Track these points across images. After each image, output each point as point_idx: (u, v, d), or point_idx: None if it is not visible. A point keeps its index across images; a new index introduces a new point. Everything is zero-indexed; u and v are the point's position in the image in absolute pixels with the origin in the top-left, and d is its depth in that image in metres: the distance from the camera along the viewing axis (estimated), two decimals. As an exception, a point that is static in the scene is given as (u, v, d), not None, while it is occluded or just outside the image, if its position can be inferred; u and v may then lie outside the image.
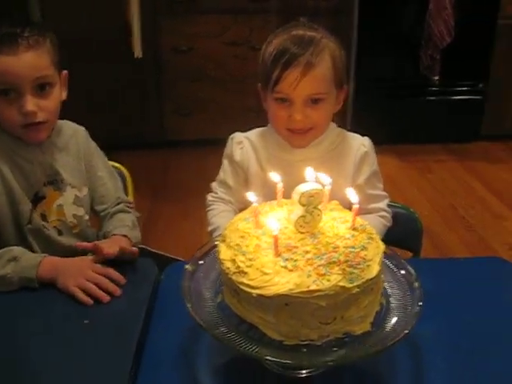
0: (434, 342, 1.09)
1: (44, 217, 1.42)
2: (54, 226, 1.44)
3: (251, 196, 1.00)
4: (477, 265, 1.41)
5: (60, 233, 1.45)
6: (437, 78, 3.75)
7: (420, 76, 3.79)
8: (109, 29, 3.52)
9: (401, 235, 1.52)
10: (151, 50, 3.61)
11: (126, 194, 1.69)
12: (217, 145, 3.83)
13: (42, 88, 1.32)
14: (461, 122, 3.97)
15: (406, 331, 0.92)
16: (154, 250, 1.63)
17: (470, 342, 1.09)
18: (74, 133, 1.51)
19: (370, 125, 3.68)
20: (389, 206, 1.53)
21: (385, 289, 1.02)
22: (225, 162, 1.56)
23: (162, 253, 1.65)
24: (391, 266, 1.08)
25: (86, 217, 1.51)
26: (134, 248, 1.34)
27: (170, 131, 3.89)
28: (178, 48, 3.68)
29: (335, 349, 0.92)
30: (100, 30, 3.52)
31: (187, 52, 3.70)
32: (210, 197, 1.57)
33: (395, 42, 3.75)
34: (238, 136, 1.55)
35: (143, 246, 1.52)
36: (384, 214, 1.49)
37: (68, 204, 1.46)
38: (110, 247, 1.28)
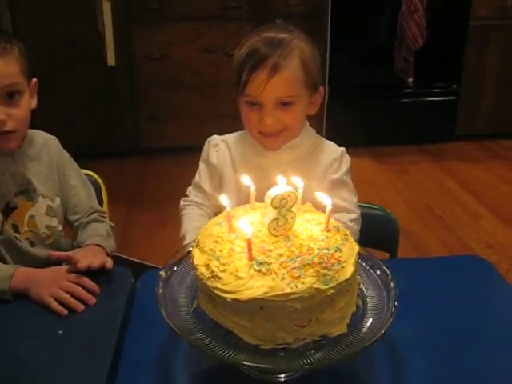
0: (412, 341, 1.09)
1: (16, 228, 1.40)
2: (27, 238, 1.42)
3: (224, 200, 0.99)
4: (454, 263, 1.42)
5: (32, 244, 1.43)
6: (411, 79, 3.79)
7: (394, 78, 3.81)
8: (82, 37, 3.49)
9: (378, 236, 1.52)
10: (124, 58, 3.59)
11: (101, 202, 1.67)
12: (193, 151, 3.82)
13: (10, 96, 1.31)
14: (435, 122, 4.01)
15: (383, 331, 0.92)
16: (129, 258, 1.62)
17: (448, 340, 1.10)
18: (45, 142, 1.49)
19: (346, 127, 3.73)
20: (365, 207, 1.53)
21: (361, 290, 1.02)
22: (201, 165, 1.55)
23: (138, 260, 1.64)
24: (367, 266, 1.08)
25: (60, 227, 1.49)
26: (109, 263, 1.30)
27: (145, 139, 3.87)
28: (152, 56, 3.67)
29: (312, 351, 0.91)
30: (73, 39, 3.50)
31: (161, 59, 3.68)
32: (182, 201, 1.56)
33: (369, 45, 3.78)
34: (214, 139, 1.54)
35: (118, 254, 1.51)
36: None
37: (40, 215, 1.44)
38: (84, 258, 1.26)
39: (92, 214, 1.53)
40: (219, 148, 1.51)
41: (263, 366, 0.90)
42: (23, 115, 1.35)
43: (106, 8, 3.37)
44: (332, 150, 1.48)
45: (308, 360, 0.90)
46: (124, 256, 1.58)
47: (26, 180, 1.41)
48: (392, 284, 1.01)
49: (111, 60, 3.43)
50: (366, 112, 3.78)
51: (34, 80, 1.41)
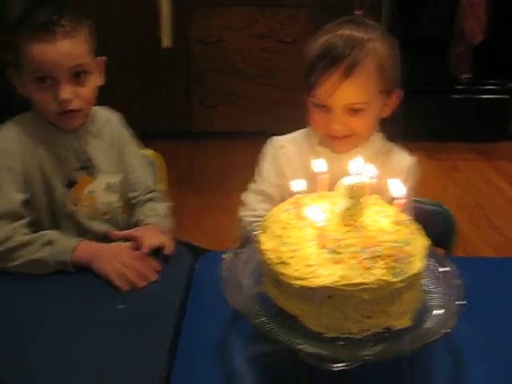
0: (473, 341, 1.07)
1: (76, 202, 1.43)
2: (85, 212, 1.44)
3: (295, 185, 0.98)
4: (509, 265, 1.40)
5: (91, 218, 1.45)
6: (466, 76, 3.71)
7: (447, 73, 3.74)
8: (138, 18, 3.52)
9: (433, 232, 1.50)
10: (180, 41, 3.60)
11: (159, 182, 1.69)
12: (243, 138, 3.85)
13: (78, 75, 1.33)
14: (488, 120, 3.92)
15: (447, 330, 0.91)
16: (182, 240, 1.63)
17: (508, 341, 1.08)
18: (108, 119, 1.51)
19: (396, 121, 3.68)
20: (422, 203, 1.51)
21: (424, 286, 1.02)
22: (264, 169, 1.45)
23: (191, 242, 1.65)
24: (431, 263, 1.06)
25: (118, 204, 1.51)
26: (168, 244, 1.32)
27: (196, 122, 3.88)
28: (206, 40, 3.68)
29: (371, 344, 0.91)
30: (129, 20, 3.53)
31: (215, 44, 3.69)
32: (247, 218, 1.43)
33: (424, 39, 3.71)
34: (278, 140, 1.45)
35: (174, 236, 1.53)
36: None
37: (99, 190, 1.46)
38: (144, 237, 1.29)
39: (150, 192, 1.55)
40: (285, 150, 1.43)
41: (325, 352, 0.90)
42: (89, 94, 1.37)
43: (163, -10, 3.39)
44: (402, 159, 1.42)
45: (369, 351, 0.90)
46: (177, 238, 1.60)
47: (87, 156, 1.44)
48: (457, 282, 1.00)
49: (167, 42, 3.45)
50: (418, 106, 3.72)
51: (101, 58, 1.43)
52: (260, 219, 1.31)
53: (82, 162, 1.43)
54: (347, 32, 1.27)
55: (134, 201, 1.54)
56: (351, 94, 1.26)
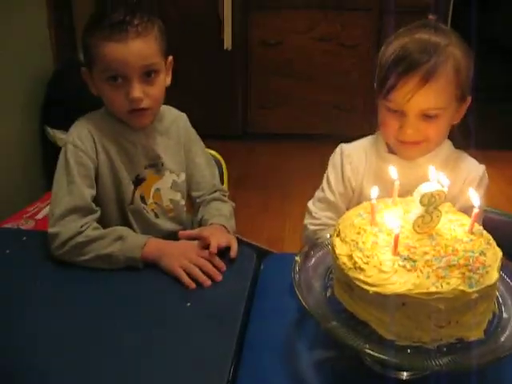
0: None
1: (143, 199, 1.46)
2: (152, 209, 1.47)
3: (373, 191, 0.98)
4: None
5: (156, 216, 1.48)
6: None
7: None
8: (201, 20, 3.58)
9: (504, 243, 1.47)
10: (241, 43, 3.63)
11: (222, 182, 1.71)
12: (301, 140, 3.84)
13: (148, 75, 1.35)
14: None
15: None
16: (246, 240, 1.65)
17: None
18: (175, 119, 1.54)
19: (464, 129, 3.60)
20: (491, 213, 1.48)
21: (497, 298, 0.99)
22: (331, 178, 1.43)
23: (254, 243, 1.66)
24: (503, 274, 1.04)
25: (182, 202, 1.54)
26: (235, 244, 1.33)
27: (253, 124, 3.91)
28: (267, 41, 3.69)
29: (438, 354, 0.90)
30: (192, 20, 3.58)
31: (275, 46, 3.70)
32: (310, 225, 1.42)
33: (490, 44, 3.62)
34: (346, 149, 1.44)
35: (237, 235, 1.54)
36: None
37: (165, 188, 1.49)
38: (212, 236, 1.30)
39: (214, 192, 1.57)
40: (352, 160, 1.42)
41: (396, 360, 0.89)
42: (159, 93, 1.39)
43: (228, -8, 3.43)
44: (472, 167, 1.39)
45: (438, 361, 0.89)
46: (241, 237, 1.61)
47: (155, 154, 1.47)
48: (531, 296, 0.98)
49: (228, 43, 3.49)
50: (485, 113, 3.63)
51: (170, 58, 1.45)
52: (324, 228, 1.35)
53: (150, 159, 1.46)
54: (425, 36, 1.25)
55: (198, 200, 1.56)
56: (428, 100, 1.24)
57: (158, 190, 1.48)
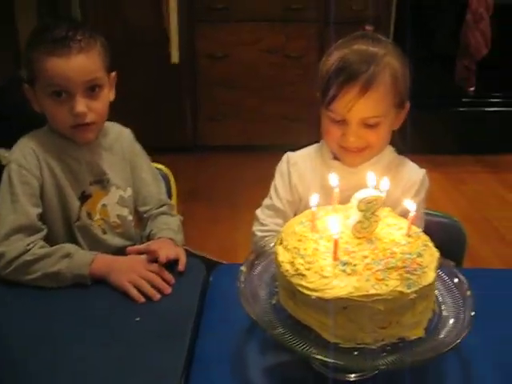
0: (483, 351, 1.09)
1: (89, 215, 1.45)
2: (99, 225, 1.47)
3: (313, 199, 1.01)
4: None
5: (104, 232, 1.48)
6: (472, 89, 3.73)
7: (454, 87, 3.77)
8: (147, 34, 3.58)
9: (443, 244, 1.52)
10: (188, 56, 3.64)
11: (170, 196, 1.71)
12: (249, 151, 3.87)
13: (92, 89, 1.35)
14: (495, 133, 3.94)
15: (459, 339, 0.93)
16: (195, 252, 1.65)
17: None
18: (119, 134, 1.54)
19: (403, 134, 3.70)
20: (433, 215, 1.53)
21: (436, 296, 1.03)
22: (279, 186, 1.46)
23: (204, 255, 1.67)
24: (442, 274, 1.08)
25: (130, 217, 1.53)
26: (183, 256, 1.34)
27: (203, 136, 3.92)
28: (214, 55, 3.72)
29: (384, 354, 0.93)
30: (138, 35, 3.58)
31: (222, 59, 3.73)
32: (259, 231, 1.45)
33: (431, 53, 3.75)
34: (292, 157, 1.47)
35: (186, 247, 1.54)
36: None
37: (112, 204, 1.48)
38: (160, 249, 1.30)
39: (161, 206, 1.57)
40: (298, 167, 1.45)
41: (340, 362, 0.92)
42: (103, 108, 1.39)
43: (173, 5, 3.43)
44: (413, 172, 1.43)
45: (383, 361, 0.92)
46: (190, 249, 1.61)
47: (100, 170, 1.46)
48: (469, 293, 1.02)
49: (175, 57, 3.49)
50: (426, 119, 3.74)
51: (114, 73, 1.45)
52: (272, 234, 1.35)
53: (95, 175, 1.46)
54: (363, 47, 1.29)
55: (145, 215, 1.56)
56: (368, 108, 1.28)
57: (104, 205, 1.47)
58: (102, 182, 1.47)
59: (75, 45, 1.32)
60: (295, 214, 1.39)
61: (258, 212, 1.48)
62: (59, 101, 1.33)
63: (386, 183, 1.03)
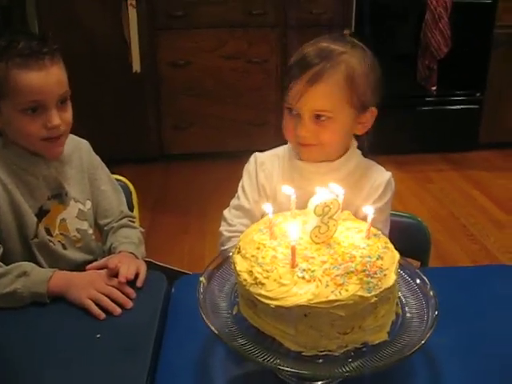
0: (450, 349, 1.08)
1: (48, 231, 1.42)
2: (59, 241, 1.43)
3: (267, 207, 0.99)
4: (483, 272, 1.43)
5: (64, 247, 1.44)
6: (434, 88, 3.77)
7: (417, 86, 3.80)
8: (107, 43, 3.54)
9: (408, 244, 1.51)
10: (149, 65, 3.62)
11: (131, 207, 1.68)
12: (215, 158, 3.86)
13: (62, 102, 1.34)
14: (459, 131, 4.00)
15: (423, 341, 0.92)
16: (159, 263, 1.62)
17: (486, 348, 1.10)
18: (76, 146, 1.51)
19: (368, 135, 3.71)
20: (397, 215, 1.53)
21: (400, 298, 1.02)
22: (246, 186, 1.46)
23: (168, 266, 1.64)
24: (405, 275, 1.08)
25: (90, 230, 1.51)
26: (143, 270, 1.31)
27: (168, 145, 3.90)
28: (176, 62, 3.70)
29: (350, 360, 0.92)
30: (98, 45, 3.54)
31: (185, 66, 3.71)
32: (226, 232, 1.44)
33: (392, 53, 3.77)
34: (260, 157, 1.47)
35: (149, 259, 1.52)
36: None
37: (71, 218, 1.46)
38: (120, 264, 1.27)
39: (122, 218, 1.54)
40: (265, 167, 1.45)
41: (305, 372, 0.90)
42: (70, 118, 1.38)
43: (132, 14, 3.40)
44: (378, 175, 1.43)
45: (347, 367, 0.91)
46: (154, 261, 1.59)
47: (58, 184, 1.43)
48: (432, 293, 1.02)
49: (136, 66, 3.46)
50: (389, 120, 3.75)
51: None
52: (238, 234, 1.31)
53: (53, 190, 1.42)
54: (324, 44, 1.32)
55: (106, 227, 1.53)
56: (316, 100, 1.29)
57: (63, 220, 1.44)
58: (61, 196, 1.44)
59: (47, 57, 1.30)
60: (263, 215, 1.39)
61: (226, 212, 1.48)
62: (32, 116, 1.30)
63: (341, 187, 1.02)
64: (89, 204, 1.50)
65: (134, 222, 1.57)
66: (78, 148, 1.51)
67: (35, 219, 1.39)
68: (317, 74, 1.27)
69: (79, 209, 1.47)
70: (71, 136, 1.50)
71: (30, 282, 1.22)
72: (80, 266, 1.39)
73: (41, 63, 1.28)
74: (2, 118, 1.34)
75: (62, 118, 1.33)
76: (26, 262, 1.29)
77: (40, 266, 1.37)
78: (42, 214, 1.40)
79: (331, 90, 1.29)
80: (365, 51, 1.35)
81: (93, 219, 1.52)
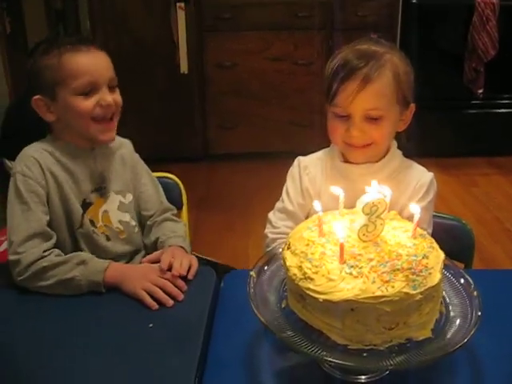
0: (491, 351, 1.09)
1: (92, 222, 1.47)
2: (102, 232, 1.48)
3: (317, 205, 1.03)
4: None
5: (108, 238, 1.49)
6: (481, 91, 3.73)
7: (463, 89, 3.77)
8: (157, 45, 3.62)
9: (454, 247, 1.53)
10: (196, 66, 3.69)
11: (181, 205, 1.74)
12: (259, 158, 3.90)
13: (112, 89, 1.41)
14: (505, 135, 3.94)
15: (466, 339, 0.94)
16: (209, 258, 1.67)
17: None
18: (120, 143, 1.57)
19: (414, 137, 3.70)
20: (442, 217, 1.54)
21: (444, 297, 1.05)
22: (290, 189, 1.49)
23: (217, 261, 1.69)
24: (449, 275, 1.10)
25: (133, 222, 1.54)
26: (195, 264, 1.37)
27: (213, 145, 3.96)
28: (222, 64, 3.76)
29: (393, 354, 0.94)
30: (148, 46, 3.63)
31: (231, 68, 3.77)
32: (270, 234, 1.48)
33: (439, 55, 3.75)
34: (304, 161, 1.50)
35: (199, 255, 1.56)
36: None
37: (113, 210, 1.50)
38: (174, 258, 1.33)
39: (164, 212, 1.59)
40: (309, 171, 1.48)
41: (350, 364, 0.94)
42: (121, 101, 1.44)
43: (181, 17, 3.49)
44: (421, 175, 1.45)
45: (391, 362, 0.94)
46: (204, 256, 1.63)
47: (101, 178, 1.49)
48: (475, 293, 1.04)
49: (184, 67, 3.54)
50: (435, 122, 3.74)
51: None
52: (283, 236, 1.37)
53: (96, 183, 1.48)
54: (364, 47, 1.35)
55: (149, 221, 1.57)
56: (370, 100, 1.31)
57: (105, 212, 1.49)
58: (101, 190, 1.49)
59: (94, 45, 1.41)
60: (307, 217, 1.42)
61: (270, 215, 1.51)
62: (86, 97, 1.38)
63: (388, 188, 1.05)
64: (130, 197, 1.54)
65: (174, 215, 1.62)
66: (121, 145, 1.57)
67: (81, 210, 1.44)
68: (367, 75, 1.30)
69: (120, 201, 1.52)
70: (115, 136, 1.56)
71: (88, 271, 1.29)
72: (120, 257, 1.46)
73: (89, 48, 1.39)
74: (58, 107, 1.40)
75: (112, 99, 1.40)
76: (85, 253, 1.37)
77: None
78: (85, 206, 1.46)
79: (383, 89, 1.32)
80: (400, 51, 1.39)
81: (135, 212, 1.56)
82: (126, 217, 1.53)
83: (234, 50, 3.73)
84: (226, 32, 3.69)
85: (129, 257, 1.52)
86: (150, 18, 3.59)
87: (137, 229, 1.56)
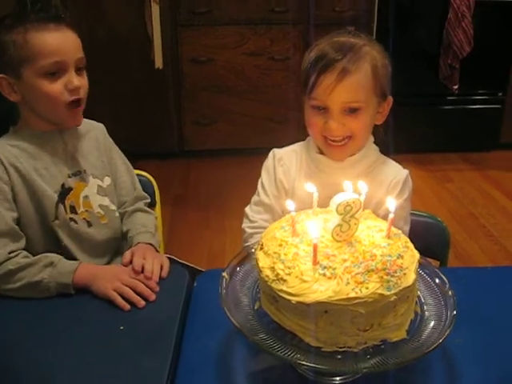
0: (467, 349, 1.09)
1: (73, 208, 1.43)
2: (84, 218, 1.44)
3: (290, 204, 1.01)
4: (503, 273, 1.43)
5: (89, 224, 1.45)
6: (456, 87, 3.75)
7: (439, 85, 3.79)
8: (130, 40, 3.57)
9: (428, 244, 1.52)
10: (171, 61, 3.64)
11: (154, 203, 1.71)
12: (235, 154, 3.88)
13: (79, 70, 1.36)
14: (479, 130, 3.97)
15: (441, 339, 0.93)
16: (180, 260, 1.64)
17: (503, 348, 1.10)
18: (92, 127, 1.54)
19: (389, 133, 3.71)
20: (416, 215, 1.54)
21: (419, 297, 1.04)
22: (265, 182, 1.48)
23: (188, 263, 1.66)
24: (424, 274, 1.09)
25: (113, 206, 1.52)
26: (166, 265, 1.35)
27: (189, 141, 3.92)
28: (198, 59, 3.72)
29: (368, 356, 0.93)
30: (122, 41, 3.57)
31: (207, 63, 3.73)
32: (248, 228, 1.47)
33: (415, 52, 3.76)
34: (278, 153, 1.49)
35: (171, 256, 1.53)
36: None
37: (93, 194, 1.47)
38: (154, 263, 1.31)
39: (137, 201, 1.57)
40: (283, 162, 1.47)
41: (323, 367, 0.92)
42: (87, 85, 1.39)
43: (155, 11, 3.44)
44: (396, 172, 1.44)
45: (366, 364, 0.92)
46: (175, 258, 1.60)
47: (76, 162, 1.45)
48: (450, 292, 1.03)
49: (159, 63, 3.49)
50: (410, 118, 3.76)
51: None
52: (261, 230, 1.34)
53: (72, 167, 1.44)
54: (343, 39, 1.34)
55: (120, 209, 1.55)
56: (348, 92, 1.30)
57: (86, 197, 1.46)
58: (80, 174, 1.46)
59: (63, 23, 1.34)
60: (282, 210, 1.41)
61: (247, 209, 1.50)
62: (52, 79, 1.32)
63: (364, 185, 1.03)
64: (108, 180, 1.52)
65: (147, 204, 1.60)
66: (93, 127, 1.54)
67: (55, 199, 1.39)
68: (345, 68, 1.29)
69: (98, 185, 1.49)
70: (86, 120, 1.51)
71: (57, 273, 1.26)
72: (104, 246, 1.45)
73: (58, 26, 1.33)
74: (23, 87, 1.34)
75: (80, 82, 1.35)
76: (54, 254, 1.32)
77: (65, 247, 1.40)
78: (64, 192, 1.42)
79: (361, 82, 1.31)
80: (378, 43, 1.38)
81: (114, 196, 1.54)
82: (106, 201, 1.50)
83: (210, 45, 3.70)
84: (202, 26, 3.65)
85: (111, 243, 1.50)
86: (126, 10, 3.53)
87: (117, 213, 1.53)
